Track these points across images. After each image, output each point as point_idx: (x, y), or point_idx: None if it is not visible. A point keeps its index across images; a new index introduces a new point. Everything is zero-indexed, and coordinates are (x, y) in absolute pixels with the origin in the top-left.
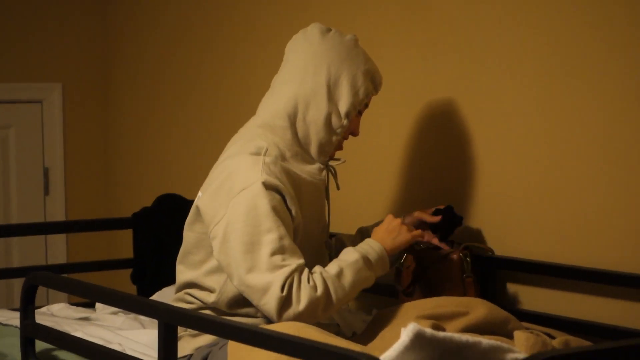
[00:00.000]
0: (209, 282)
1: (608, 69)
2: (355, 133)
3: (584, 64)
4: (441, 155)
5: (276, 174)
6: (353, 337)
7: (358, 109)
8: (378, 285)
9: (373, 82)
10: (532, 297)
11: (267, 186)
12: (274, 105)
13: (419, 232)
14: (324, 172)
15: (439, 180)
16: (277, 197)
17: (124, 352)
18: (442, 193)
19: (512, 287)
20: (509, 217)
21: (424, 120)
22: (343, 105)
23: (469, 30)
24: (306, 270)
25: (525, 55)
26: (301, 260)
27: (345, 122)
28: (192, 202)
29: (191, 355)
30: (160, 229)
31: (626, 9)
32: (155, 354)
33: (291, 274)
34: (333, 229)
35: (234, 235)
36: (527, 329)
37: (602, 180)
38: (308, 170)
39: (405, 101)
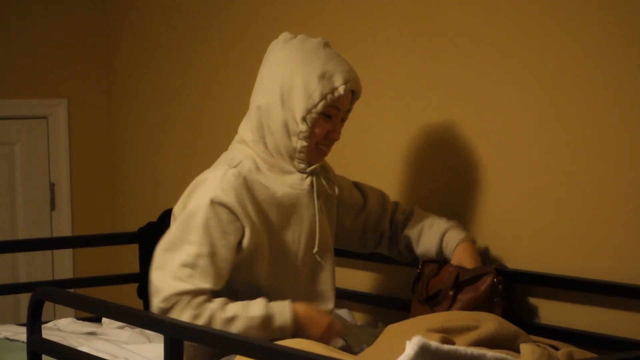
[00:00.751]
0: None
1: (623, 84)
2: (331, 137)
3: (595, 76)
4: (445, 167)
5: (235, 188)
6: (362, 351)
7: (318, 112)
8: (383, 298)
9: (331, 83)
10: (539, 309)
11: (215, 202)
12: (246, 120)
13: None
14: (308, 180)
15: (444, 192)
16: (224, 214)
17: None
18: (448, 206)
19: (520, 300)
20: (514, 229)
21: (426, 133)
22: (297, 110)
23: (475, 41)
24: (203, 297)
25: (532, 68)
26: (207, 286)
27: (303, 127)
28: None
29: None
30: None
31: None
32: None
33: (184, 293)
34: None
35: (167, 232)
36: (534, 342)
37: (611, 192)
38: (288, 182)
39: (409, 113)
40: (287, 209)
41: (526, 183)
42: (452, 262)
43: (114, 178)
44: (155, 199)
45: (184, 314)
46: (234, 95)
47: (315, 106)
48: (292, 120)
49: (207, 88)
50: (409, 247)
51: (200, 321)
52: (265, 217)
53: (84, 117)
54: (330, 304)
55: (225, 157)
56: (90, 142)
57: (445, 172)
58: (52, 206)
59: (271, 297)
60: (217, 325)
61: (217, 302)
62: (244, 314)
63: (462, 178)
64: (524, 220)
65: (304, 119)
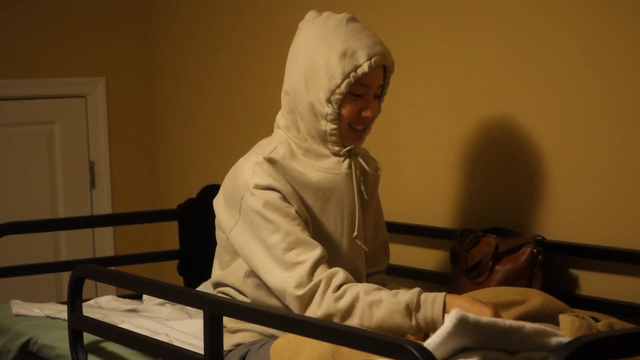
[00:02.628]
0: (239, 285)
1: None
2: (364, 116)
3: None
4: (486, 135)
5: (269, 174)
6: None
7: (342, 93)
8: (421, 271)
9: (353, 60)
10: (579, 281)
11: (256, 189)
12: (281, 104)
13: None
14: (345, 163)
15: (486, 158)
16: (273, 194)
17: (171, 342)
18: (487, 178)
19: (560, 271)
20: (553, 200)
21: (467, 113)
22: (321, 92)
23: (527, 30)
24: (329, 270)
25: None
26: (317, 252)
27: (329, 109)
28: None
29: (229, 350)
30: (205, 219)
31: None
32: (202, 344)
33: (309, 272)
34: (387, 216)
35: (246, 243)
36: (576, 315)
37: None
38: (324, 166)
39: (457, 104)
40: (324, 194)
41: (564, 156)
42: None
43: (153, 155)
44: (194, 175)
45: (324, 299)
46: (271, 70)
47: (338, 86)
48: (317, 103)
49: (244, 63)
50: None
51: (343, 303)
52: (303, 202)
53: (122, 95)
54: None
55: (260, 143)
56: (129, 119)
57: (484, 149)
58: (92, 184)
59: None
60: (360, 307)
61: (362, 285)
62: (391, 298)
63: (499, 153)
64: (563, 191)
65: (328, 101)
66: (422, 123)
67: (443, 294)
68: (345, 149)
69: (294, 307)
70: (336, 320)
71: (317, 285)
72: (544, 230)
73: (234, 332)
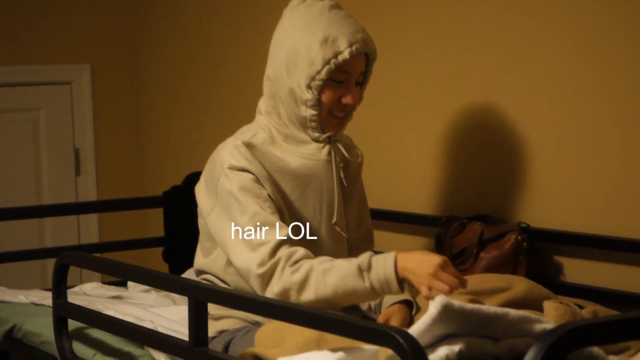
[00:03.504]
0: (220, 273)
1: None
2: (344, 102)
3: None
4: (472, 123)
5: (245, 157)
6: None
7: (323, 79)
8: None
9: (334, 47)
10: (564, 268)
11: (231, 169)
12: (263, 90)
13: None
14: (325, 150)
15: (473, 146)
16: (247, 175)
17: (156, 329)
18: (472, 166)
19: (545, 258)
20: (538, 187)
21: (450, 100)
22: (301, 78)
23: (507, 26)
24: (290, 249)
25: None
26: (282, 233)
27: (309, 95)
28: None
29: (213, 337)
30: (190, 206)
31: None
32: (187, 331)
33: (271, 252)
34: (372, 204)
35: (220, 226)
36: (560, 302)
37: (636, 150)
38: (304, 152)
39: (440, 92)
40: (303, 180)
41: (550, 144)
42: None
43: (138, 142)
44: (179, 162)
45: (284, 275)
46: (256, 57)
47: (318, 72)
48: (298, 89)
49: (230, 51)
50: None
51: (298, 275)
52: (279, 189)
53: (108, 82)
54: None
55: (241, 130)
56: (114, 107)
57: (469, 136)
58: (77, 171)
59: None
60: (314, 277)
61: (318, 259)
62: (343, 262)
63: (484, 140)
64: (548, 178)
65: (308, 87)
66: (407, 110)
67: (394, 252)
68: (325, 135)
69: (256, 286)
70: (293, 294)
71: (276, 263)
72: (529, 217)
73: (217, 318)
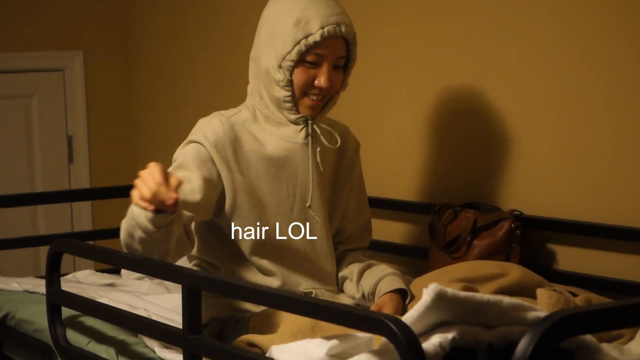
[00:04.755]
0: (213, 259)
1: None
2: (318, 85)
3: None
4: (462, 118)
5: (217, 133)
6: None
7: (293, 59)
8: (400, 246)
9: (306, 29)
10: (557, 256)
11: (193, 142)
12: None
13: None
14: (303, 133)
15: (465, 134)
16: (201, 150)
17: (149, 317)
18: (466, 154)
19: (538, 246)
20: (531, 175)
21: (444, 90)
22: (273, 57)
23: (493, 14)
24: None
25: (546, 37)
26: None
27: (280, 75)
28: None
29: (205, 325)
30: None
31: None
32: (180, 319)
33: None
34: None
35: None
36: (554, 289)
37: (627, 138)
38: (282, 134)
39: (427, 74)
40: (278, 161)
41: (543, 131)
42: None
43: (131, 130)
44: (172, 149)
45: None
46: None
47: (289, 52)
48: (272, 69)
49: (226, 37)
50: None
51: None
52: (252, 169)
53: (101, 69)
54: (329, 265)
55: (230, 109)
56: (107, 94)
57: (462, 123)
58: (70, 159)
59: (261, 256)
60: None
61: None
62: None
63: (477, 127)
64: (541, 166)
65: (280, 67)
66: (400, 96)
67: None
68: (300, 116)
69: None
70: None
71: None
72: (522, 205)
73: (209, 306)
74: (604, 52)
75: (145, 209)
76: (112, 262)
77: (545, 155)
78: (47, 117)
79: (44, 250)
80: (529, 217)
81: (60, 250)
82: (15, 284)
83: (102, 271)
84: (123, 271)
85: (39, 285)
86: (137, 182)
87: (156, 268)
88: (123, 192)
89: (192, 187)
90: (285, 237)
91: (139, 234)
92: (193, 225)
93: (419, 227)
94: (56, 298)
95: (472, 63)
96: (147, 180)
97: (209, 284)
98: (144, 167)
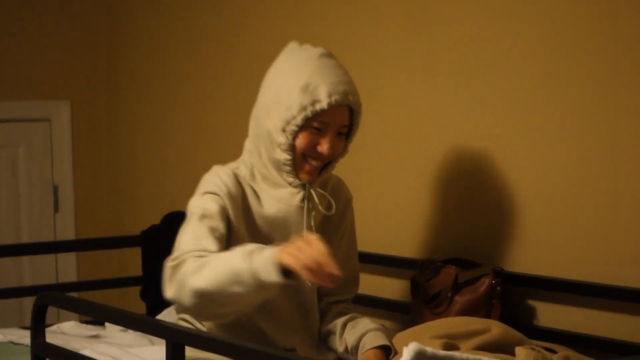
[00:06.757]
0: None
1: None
2: (319, 151)
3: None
4: (447, 170)
5: (223, 180)
6: None
7: (298, 125)
8: (383, 300)
9: (313, 95)
10: (537, 312)
11: (206, 193)
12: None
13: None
14: (299, 196)
15: (449, 189)
16: (212, 198)
17: None
18: (447, 205)
19: (518, 302)
20: (512, 232)
21: (428, 128)
22: (277, 120)
23: (476, 47)
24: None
25: (531, 72)
26: (213, 248)
27: (282, 139)
28: None
29: None
30: (168, 246)
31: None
32: None
33: (190, 251)
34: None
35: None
36: (532, 347)
37: (608, 198)
38: (279, 196)
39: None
40: (273, 221)
41: (525, 188)
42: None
43: (117, 180)
44: (158, 201)
45: (185, 265)
46: (235, 97)
47: (294, 117)
48: (274, 131)
49: (208, 90)
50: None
51: (194, 264)
52: (251, 222)
53: (87, 119)
54: (311, 320)
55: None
56: (93, 144)
57: (447, 174)
58: (56, 208)
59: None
60: (205, 262)
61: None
62: (237, 248)
63: (461, 180)
64: (523, 223)
65: (283, 130)
66: (384, 152)
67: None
68: (299, 182)
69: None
70: (188, 281)
71: (186, 258)
72: (503, 261)
73: None
74: (592, 112)
75: (309, 279)
76: (97, 315)
77: (526, 213)
78: (33, 166)
79: (28, 300)
80: (510, 273)
81: (45, 303)
82: (0, 335)
83: (87, 322)
84: (107, 323)
85: (24, 336)
86: (298, 251)
87: (140, 322)
88: (107, 244)
89: (220, 237)
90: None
91: (238, 290)
92: None
93: (402, 281)
94: (41, 350)
95: (459, 123)
96: (313, 252)
97: (193, 340)
98: (128, 218)
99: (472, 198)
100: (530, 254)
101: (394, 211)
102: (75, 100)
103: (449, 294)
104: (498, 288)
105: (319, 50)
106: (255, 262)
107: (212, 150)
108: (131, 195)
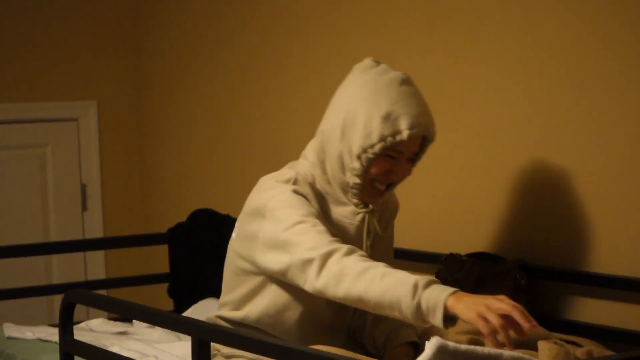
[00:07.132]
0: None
1: None
2: (390, 177)
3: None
4: (468, 164)
5: (305, 191)
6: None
7: (375, 153)
8: None
9: (394, 125)
10: (562, 305)
11: (296, 192)
12: (314, 138)
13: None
14: (360, 217)
15: (470, 189)
16: (300, 198)
17: None
18: (473, 202)
19: (543, 296)
20: (537, 225)
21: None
22: (353, 146)
23: (495, 42)
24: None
25: (547, 67)
26: (334, 244)
27: (356, 164)
28: (225, 216)
29: None
30: (195, 243)
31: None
32: None
33: (329, 242)
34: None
35: (260, 240)
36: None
37: (633, 190)
38: (339, 212)
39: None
40: (336, 229)
41: (548, 182)
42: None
43: (143, 178)
44: (184, 198)
45: (349, 258)
46: (262, 98)
47: (372, 146)
48: (347, 155)
49: (235, 90)
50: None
51: (362, 265)
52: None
53: (114, 119)
54: (344, 323)
55: (281, 170)
56: (121, 143)
57: (468, 170)
58: (84, 207)
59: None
60: (373, 273)
61: (382, 263)
62: (404, 273)
63: (485, 175)
64: (547, 216)
65: (358, 157)
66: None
67: (454, 289)
68: (362, 206)
69: (310, 272)
70: (346, 280)
71: (337, 248)
72: (528, 255)
73: (228, 357)
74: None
75: (502, 345)
76: (124, 313)
77: (549, 205)
78: (61, 166)
79: (57, 299)
80: (534, 267)
81: (73, 301)
82: (29, 333)
83: (115, 319)
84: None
85: (53, 334)
86: (485, 306)
87: (166, 319)
88: (135, 241)
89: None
90: (318, 303)
91: (395, 314)
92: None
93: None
94: (69, 347)
95: (471, 114)
96: (506, 307)
97: (218, 336)
98: (156, 215)
99: (495, 192)
100: (554, 247)
101: (418, 205)
102: (102, 100)
103: (474, 289)
104: (522, 281)
105: (400, 75)
106: (424, 300)
107: (238, 150)
108: (158, 193)
